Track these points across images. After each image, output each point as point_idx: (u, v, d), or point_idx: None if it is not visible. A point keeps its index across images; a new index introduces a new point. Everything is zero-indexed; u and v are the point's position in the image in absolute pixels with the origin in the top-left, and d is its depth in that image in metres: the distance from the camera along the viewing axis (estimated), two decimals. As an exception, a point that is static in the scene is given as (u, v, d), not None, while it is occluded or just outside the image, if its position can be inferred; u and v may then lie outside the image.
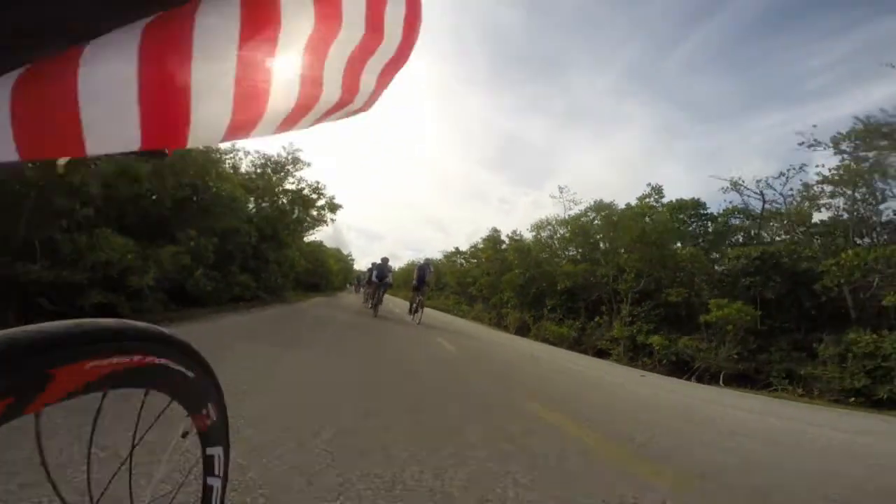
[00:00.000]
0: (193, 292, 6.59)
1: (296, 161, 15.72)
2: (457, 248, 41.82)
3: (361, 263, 66.17)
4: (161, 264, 4.70)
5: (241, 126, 0.38)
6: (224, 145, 11.59)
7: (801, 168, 13.30)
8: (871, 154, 10.33)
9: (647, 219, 15.87)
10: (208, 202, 6.79)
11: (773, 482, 2.54)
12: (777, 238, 14.48)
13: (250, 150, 14.45)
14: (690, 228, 15.03)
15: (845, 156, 11.00)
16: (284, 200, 14.23)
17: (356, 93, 0.52)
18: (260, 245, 10.55)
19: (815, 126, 11.63)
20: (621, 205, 18.57)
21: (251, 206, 11.63)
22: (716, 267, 12.68)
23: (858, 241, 11.33)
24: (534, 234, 26.34)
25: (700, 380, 10.40)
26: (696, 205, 15.55)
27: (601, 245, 19.42)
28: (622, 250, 15.80)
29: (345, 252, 54.46)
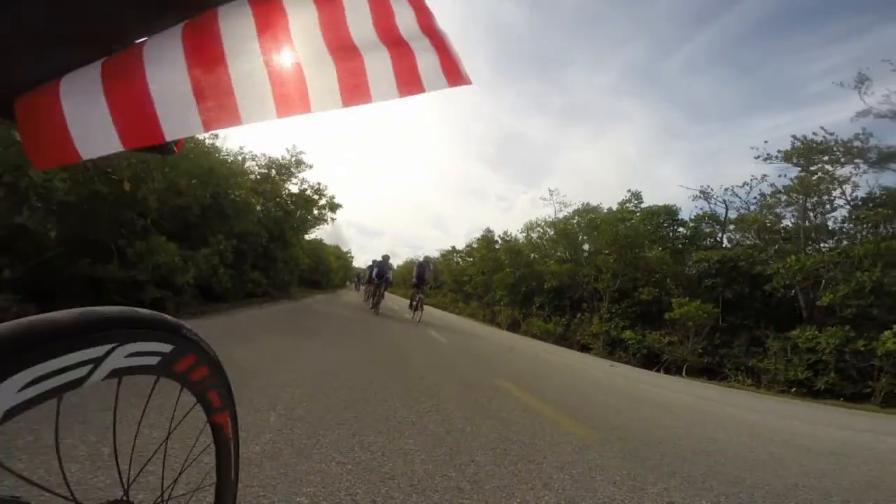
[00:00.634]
0: (216, 289, 7.39)
1: (299, 163, 16.33)
2: (453, 247, 42.41)
3: (360, 260, 66.42)
4: (197, 265, 5.52)
5: (287, 104, 0.39)
6: (234, 148, 12.47)
7: (763, 178, 14.20)
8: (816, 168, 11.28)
9: (626, 223, 16.76)
10: (228, 208, 7.58)
11: (658, 437, 3.41)
12: (743, 242, 15.43)
13: (257, 154, 15.08)
14: (663, 233, 15.93)
15: (799, 169, 11.94)
16: (290, 202, 14.70)
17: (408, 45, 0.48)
18: (269, 245, 11.32)
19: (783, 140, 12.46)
20: (612, 206, 19.39)
21: (259, 208, 12.33)
22: (685, 269, 13.56)
23: (817, 247, 12.23)
24: (524, 234, 27.25)
25: (668, 371, 11.26)
26: (669, 211, 16.48)
27: (584, 247, 20.34)
28: (599, 252, 16.71)
29: (344, 249, 54.82)
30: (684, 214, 20.40)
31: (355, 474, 1.72)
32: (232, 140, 17.85)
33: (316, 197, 17.12)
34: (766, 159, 12.06)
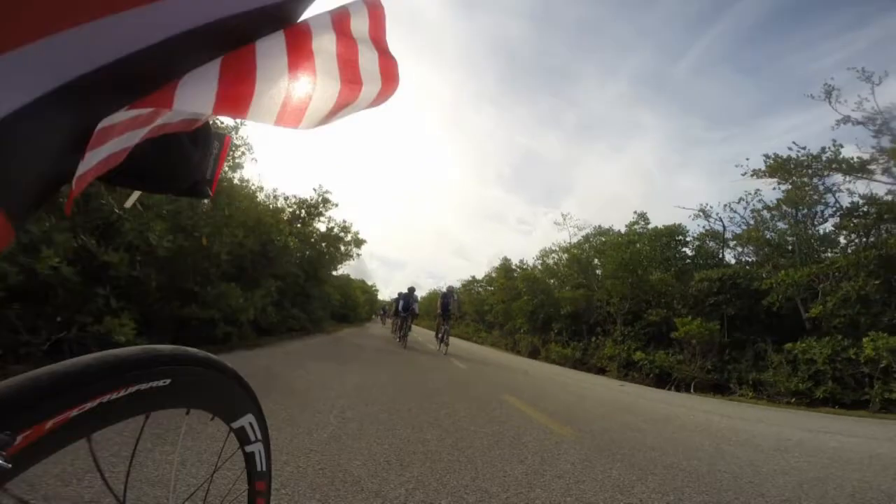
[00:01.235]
0: (263, 324, 8.38)
1: (325, 202, 17.35)
2: (473, 277, 42.79)
3: (384, 293, 67.49)
4: (255, 304, 6.51)
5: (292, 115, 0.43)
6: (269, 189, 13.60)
7: (756, 192, 14.52)
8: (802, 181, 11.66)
9: (633, 246, 17.23)
10: (274, 254, 8.65)
11: (625, 436, 4.07)
12: (743, 258, 15.68)
13: (289, 196, 16.12)
14: (668, 254, 16.33)
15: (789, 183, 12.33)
16: (323, 244, 15.63)
17: (359, 84, 0.52)
18: (305, 283, 12.38)
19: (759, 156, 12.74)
20: (625, 224, 19.62)
21: (297, 253, 13.43)
22: (689, 288, 13.89)
23: (816, 258, 12.40)
24: (540, 261, 27.71)
25: (678, 389, 11.56)
26: (672, 231, 16.96)
27: (596, 272, 20.75)
28: (607, 277, 17.20)
29: (368, 283, 56.05)
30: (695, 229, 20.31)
31: (390, 451, 2.52)
32: (267, 181, 18.95)
33: (343, 234, 18.24)
34: (751, 175, 12.51)
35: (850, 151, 11.64)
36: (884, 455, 3.94)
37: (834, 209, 12.14)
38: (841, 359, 8.46)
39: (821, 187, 11.84)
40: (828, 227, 12.73)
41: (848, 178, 11.31)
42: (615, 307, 16.86)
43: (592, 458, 2.94)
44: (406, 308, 12.77)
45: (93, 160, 0.36)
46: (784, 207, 13.29)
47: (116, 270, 3.98)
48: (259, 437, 0.68)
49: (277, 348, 7.21)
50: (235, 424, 0.63)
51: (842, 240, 12.15)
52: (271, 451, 0.73)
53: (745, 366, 11.19)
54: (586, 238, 22.41)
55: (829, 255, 12.04)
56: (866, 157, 10.51)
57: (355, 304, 27.25)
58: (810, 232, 12.33)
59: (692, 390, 10.80)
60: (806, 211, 12.33)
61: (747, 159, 18.81)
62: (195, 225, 5.05)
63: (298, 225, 14.66)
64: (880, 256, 9.32)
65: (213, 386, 0.56)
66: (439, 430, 3.15)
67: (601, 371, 15.86)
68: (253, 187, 9.87)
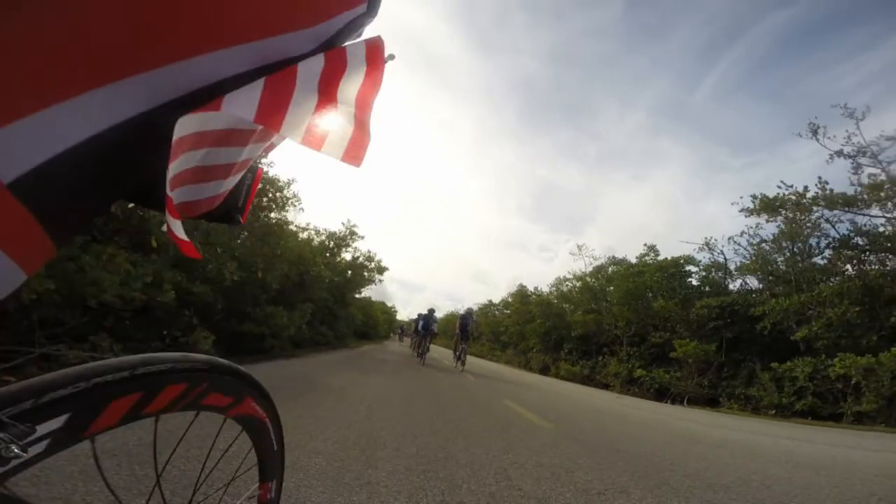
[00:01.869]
0: (298, 339, 9.37)
1: (352, 234, 18.72)
2: (490, 301, 43.72)
3: (403, 314, 68.47)
4: (294, 323, 7.52)
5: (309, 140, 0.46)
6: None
7: (757, 226, 15.01)
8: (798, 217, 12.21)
9: (643, 275, 17.87)
10: (309, 282, 9.71)
11: (597, 432, 4.83)
12: (747, 287, 16.09)
13: (321, 229, 17.49)
14: (672, 285, 16.86)
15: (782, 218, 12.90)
16: (349, 273, 16.78)
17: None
18: (333, 306, 13.42)
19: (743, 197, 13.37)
20: (652, 248, 20.17)
21: (326, 281, 14.52)
22: (690, 314, 14.41)
23: (814, 286, 12.78)
24: (555, 288, 28.39)
25: (674, 402, 12.01)
26: (677, 263, 17.56)
27: (606, 299, 21.37)
28: (614, 304, 17.83)
29: (388, 304, 57.37)
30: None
31: (406, 428, 3.39)
32: (300, 217, 20.31)
33: (367, 263, 19.47)
34: (748, 214, 13.11)
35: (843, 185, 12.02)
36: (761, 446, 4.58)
37: (829, 241, 12.58)
38: (820, 377, 8.93)
39: (809, 223, 12.32)
40: (826, 255, 13.12)
41: (836, 213, 11.80)
42: (622, 330, 17.42)
43: (560, 441, 3.75)
44: (426, 328, 12.93)
45: (180, 197, 0.42)
46: (782, 242, 13.78)
47: (195, 297, 5.03)
48: (267, 414, 0.68)
49: (310, 359, 8.14)
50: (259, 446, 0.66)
51: (849, 268, 12.49)
52: (282, 426, 0.75)
53: (739, 382, 11.63)
54: (598, 269, 23.06)
55: (827, 284, 12.42)
56: (851, 192, 11.05)
57: (376, 323, 28.24)
58: (804, 264, 12.76)
59: (685, 403, 11.26)
60: (801, 244, 12.81)
61: (742, 197, 19.19)
62: (254, 262, 6.12)
63: (327, 255, 15.89)
64: (864, 286, 9.82)
65: (228, 386, 0.58)
66: (445, 419, 4.00)
67: (605, 386, 16.32)
68: (295, 228, 11.07)
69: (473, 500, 2.02)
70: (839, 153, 11.75)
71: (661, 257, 18.74)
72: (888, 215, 10.48)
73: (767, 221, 12.97)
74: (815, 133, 12.29)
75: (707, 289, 16.51)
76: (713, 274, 17.58)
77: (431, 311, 13.58)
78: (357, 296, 21.39)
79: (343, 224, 17.83)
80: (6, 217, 0.27)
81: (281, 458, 0.74)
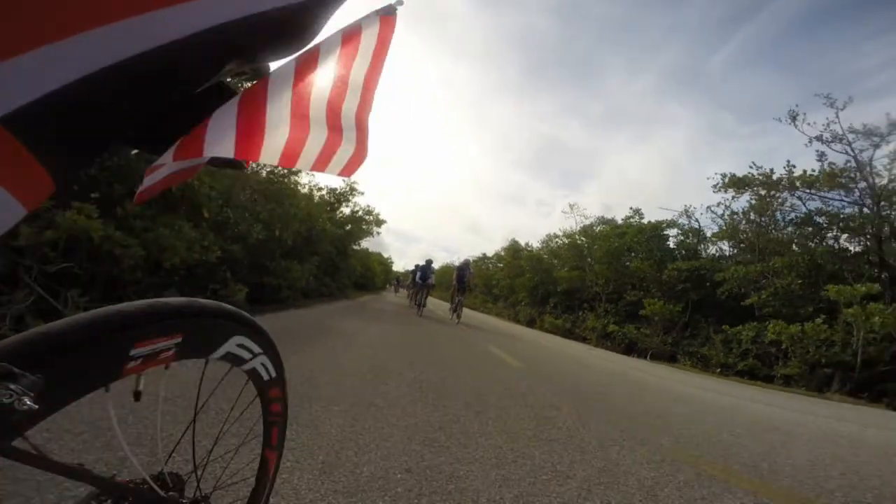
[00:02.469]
0: (305, 290, 10.33)
1: (353, 190, 19.33)
2: (484, 254, 44.67)
3: (399, 265, 69.71)
4: (305, 275, 8.42)
5: (249, 150, 0.45)
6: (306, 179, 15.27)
7: (733, 198, 15.84)
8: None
9: (624, 237, 18.82)
10: (315, 236, 10.52)
11: (560, 372, 5.90)
12: (720, 253, 17.16)
13: (322, 186, 18.08)
14: (650, 247, 17.85)
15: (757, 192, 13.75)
16: (349, 226, 17.53)
17: (340, 132, 0.56)
18: (335, 258, 14.31)
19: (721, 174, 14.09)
20: (651, 208, 21.13)
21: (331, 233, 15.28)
22: (662, 276, 15.51)
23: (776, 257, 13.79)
24: (544, 245, 29.41)
25: (640, 356, 13.36)
26: (656, 227, 18.47)
27: (590, 257, 22.45)
28: (597, 263, 18.91)
29: (384, 255, 58.40)
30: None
31: (405, 361, 4.37)
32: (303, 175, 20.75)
33: (366, 216, 20.19)
34: (721, 188, 13.95)
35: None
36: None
37: (792, 217, 13.50)
38: (761, 341, 10.12)
39: (777, 199, 13.17)
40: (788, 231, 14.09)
41: (797, 193, 12.67)
42: (601, 287, 18.63)
43: (526, 376, 4.77)
44: (424, 279, 12.94)
45: (156, 177, 0.43)
46: (751, 214, 14.66)
47: (228, 254, 5.85)
48: (259, 351, 0.67)
49: (317, 309, 9.12)
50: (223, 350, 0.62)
51: (795, 245, 13.54)
52: (281, 358, 0.76)
53: (697, 342, 12.91)
54: (585, 228, 23.91)
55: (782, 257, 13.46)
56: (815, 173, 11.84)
57: (373, 274, 29.39)
58: (770, 235, 13.72)
59: (648, 358, 12.59)
60: (767, 218, 13.72)
61: (716, 173, 19.86)
62: (273, 222, 6.90)
63: (328, 209, 16.52)
64: (811, 261, 10.82)
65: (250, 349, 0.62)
66: (437, 357, 5.00)
67: (584, 340, 17.72)
68: (302, 188, 11.70)
69: (453, 403, 2.98)
70: (818, 138, 12.42)
71: (651, 220, 19.67)
72: (846, 199, 11.37)
73: (733, 198, 13.82)
74: (793, 119, 12.84)
75: (683, 252, 17.54)
76: (690, 239, 18.60)
77: (429, 262, 13.43)
78: (355, 247, 22.27)
79: (344, 181, 18.27)
80: (1, 151, 0.26)
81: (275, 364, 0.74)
